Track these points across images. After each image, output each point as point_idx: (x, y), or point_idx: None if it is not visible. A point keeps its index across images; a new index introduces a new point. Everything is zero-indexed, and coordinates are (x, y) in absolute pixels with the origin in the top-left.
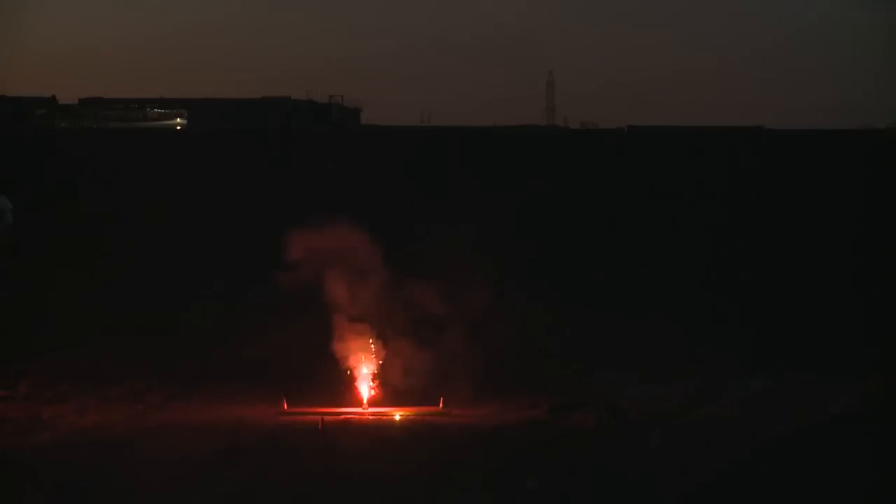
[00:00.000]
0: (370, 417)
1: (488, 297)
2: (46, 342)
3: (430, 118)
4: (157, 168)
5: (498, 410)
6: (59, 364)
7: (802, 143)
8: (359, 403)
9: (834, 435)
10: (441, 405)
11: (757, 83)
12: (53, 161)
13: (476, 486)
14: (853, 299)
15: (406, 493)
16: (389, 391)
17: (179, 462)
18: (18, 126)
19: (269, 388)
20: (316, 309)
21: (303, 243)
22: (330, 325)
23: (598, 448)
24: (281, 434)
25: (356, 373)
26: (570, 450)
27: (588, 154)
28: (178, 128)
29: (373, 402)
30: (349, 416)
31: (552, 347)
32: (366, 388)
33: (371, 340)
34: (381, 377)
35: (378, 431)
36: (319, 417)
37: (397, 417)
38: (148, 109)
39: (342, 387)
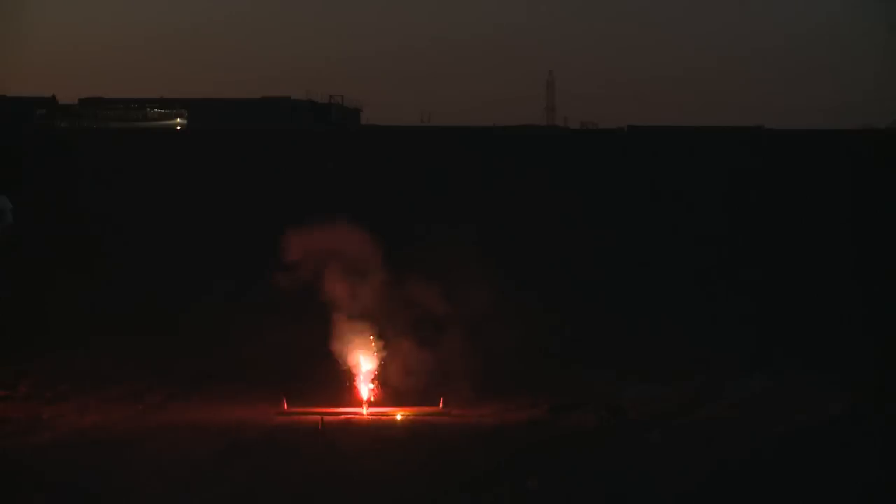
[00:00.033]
0: (370, 417)
1: (488, 297)
2: (46, 342)
3: (430, 118)
4: (157, 168)
5: (498, 410)
6: (59, 364)
7: (802, 143)
8: (359, 403)
9: (834, 435)
10: (441, 405)
11: (757, 83)
12: (53, 161)
13: (476, 486)
14: (853, 299)
15: (406, 493)
16: (389, 391)
17: (179, 462)
18: (18, 126)
19: (269, 388)
20: (316, 309)
21: (302, 243)
22: (330, 324)
23: (598, 448)
24: (281, 434)
25: (356, 372)
26: (570, 450)
27: (588, 154)
28: (178, 128)
29: (373, 402)
30: (349, 416)
31: (552, 347)
32: (366, 388)
33: (371, 339)
34: (380, 377)
35: (378, 431)
36: (319, 417)
37: (399, 417)
38: (148, 109)
39: (342, 387)
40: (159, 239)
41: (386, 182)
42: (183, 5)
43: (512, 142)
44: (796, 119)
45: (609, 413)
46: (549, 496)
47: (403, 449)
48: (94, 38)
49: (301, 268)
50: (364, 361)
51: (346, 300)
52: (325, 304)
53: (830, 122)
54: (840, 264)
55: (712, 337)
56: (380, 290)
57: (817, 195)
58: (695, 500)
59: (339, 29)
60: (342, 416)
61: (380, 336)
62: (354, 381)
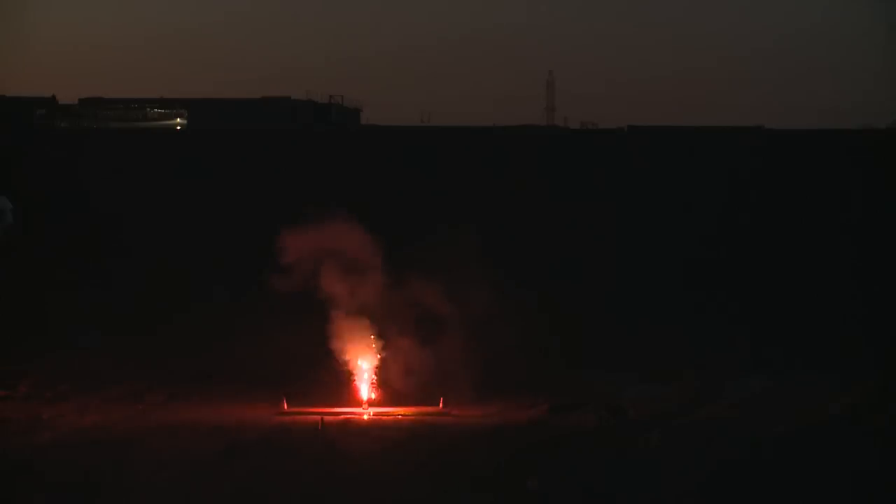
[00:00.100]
0: (370, 417)
1: (488, 296)
2: (46, 342)
3: (430, 118)
4: (157, 168)
5: (498, 410)
6: (59, 364)
7: (802, 143)
8: (359, 403)
9: (834, 435)
10: (441, 405)
11: (757, 83)
12: (53, 161)
13: (476, 486)
14: (853, 299)
15: (406, 493)
16: (389, 391)
17: (179, 461)
18: (18, 126)
19: (269, 388)
20: (316, 308)
21: (300, 243)
22: (330, 324)
23: (598, 448)
24: (281, 434)
25: (356, 371)
26: (570, 450)
27: (588, 154)
28: (178, 128)
29: (373, 402)
30: (349, 416)
31: (552, 347)
32: (366, 388)
33: (371, 339)
34: (380, 377)
35: (378, 431)
36: (319, 417)
37: (400, 417)
38: (148, 109)
39: (342, 387)
40: (159, 239)
41: (386, 182)
42: (183, 5)
43: (512, 142)
44: (796, 119)
45: (609, 413)
46: (549, 496)
47: (403, 449)
48: (94, 38)
49: (300, 268)
50: (364, 361)
51: (345, 299)
52: (324, 303)
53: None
54: (840, 264)
55: (712, 337)
56: (380, 289)
57: (817, 195)
58: (695, 500)
59: (339, 29)
60: (342, 416)
61: (380, 336)
62: (354, 380)
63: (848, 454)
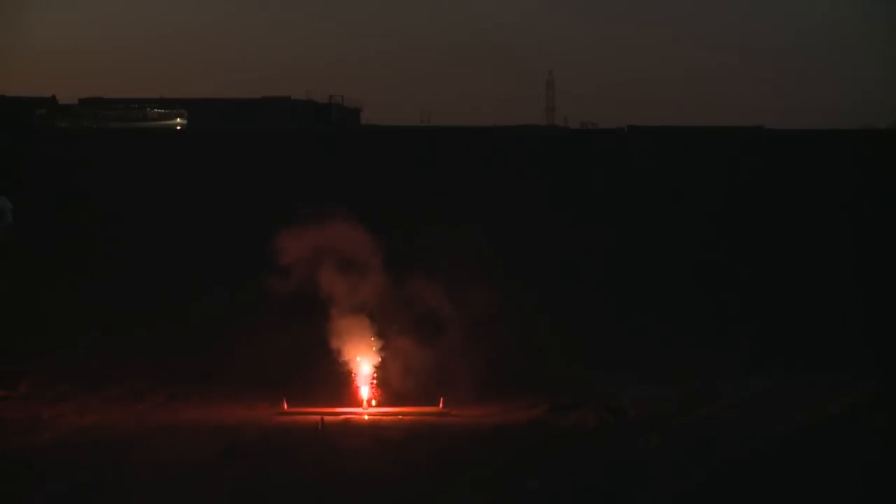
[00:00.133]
0: (370, 417)
1: (488, 296)
2: (46, 342)
3: (430, 118)
4: (157, 168)
5: (498, 410)
6: (59, 364)
7: (802, 143)
8: (359, 403)
9: (834, 435)
10: (441, 405)
11: (757, 83)
12: (53, 161)
13: (476, 486)
14: (853, 299)
15: (406, 493)
16: (389, 391)
17: (179, 462)
18: (18, 126)
19: (269, 388)
20: (316, 308)
21: (301, 243)
22: (329, 324)
23: (598, 448)
24: (281, 434)
25: (356, 371)
26: (570, 450)
27: (588, 154)
28: (178, 128)
29: (373, 403)
30: (349, 416)
31: (552, 347)
32: (366, 387)
33: (371, 339)
34: (380, 377)
35: (378, 431)
36: (319, 417)
37: (400, 417)
38: (148, 109)
39: (342, 387)
40: (159, 239)
41: (386, 182)
42: (183, 5)
43: (512, 142)
44: (796, 119)
45: (609, 413)
46: (549, 496)
47: (403, 449)
48: (94, 38)
49: (299, 268)
50: (364, 361)
51: (345, 299)
52: (324, 302)
53: (830, 122)
54: (840, 264)
55: (712, 337)
56: (380, 289)
57: (817, 195)
58: (695, 500)
59: (339, 29)
60: (342, 416)
61: (380, 336)
62: (354, 380)
63: (848, 454)
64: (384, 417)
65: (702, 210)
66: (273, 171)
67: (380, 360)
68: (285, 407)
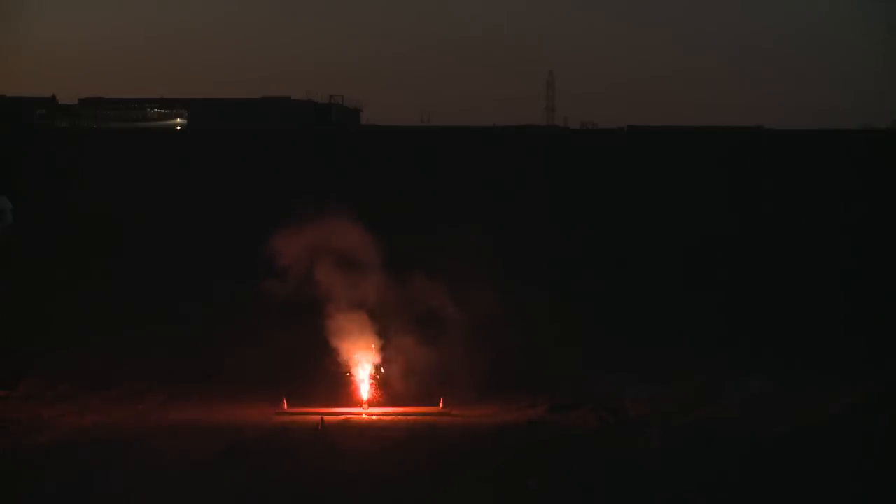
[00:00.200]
0: (370, 417)
1: (489, 296)
2: (46, 342)
3: (430, 118)
4: (157, 168)
5: (498, 410)
6: (59, 364)
7: (802, 143)
8: (359, 403)
9: (834, 435)
10: (441, 405)
11: (757, 83)
12: (53, 161)
13: (476, 486)
14: (853, 299)
15: (406, 493)
16: (389, 391)
17: (180, 461)
18: (18, 126)
19: (269, 388)
20: (316, 308)
21: (301, 242)
22: (329, 324)
23: (598, 448)
24: (281, 434)
25: (356, 371)
26: (570, 450)
27: (588, 154)
28: (178, 128)
29: (373, 402)
30: (349, 416)
31: (552, 347)
32: (366, 387)
33: (371, 337)
34: (381, 377)
35: (378, 431)
36: (319, 417)
37: (400, 417)
38: (148, 109)
39: (342, 387)
40: (159, 238)
41: (386, 182)
42: (183, 5)
43: (512, 142)
44: (796, 119)
45: (609, 413)
46: (549, 496)
47: (403, 449)
48: (94, 38)
49: (299, 268)
50: (364, 361)
51: (345, 299)
52: (324, 303)
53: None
54: (840, 264)
55: (712, 337)
56: (380, 289)
57: (817, 195)
58: (695, 500)
59: (339, 29)
60: (342, 416)
61: (380, 335)
62: (354, 380)
63: (848, 454)
64: (384, 417)
65: (702, 210)
66: (273, 171)
67: (380, 359)
68: (285, 407)
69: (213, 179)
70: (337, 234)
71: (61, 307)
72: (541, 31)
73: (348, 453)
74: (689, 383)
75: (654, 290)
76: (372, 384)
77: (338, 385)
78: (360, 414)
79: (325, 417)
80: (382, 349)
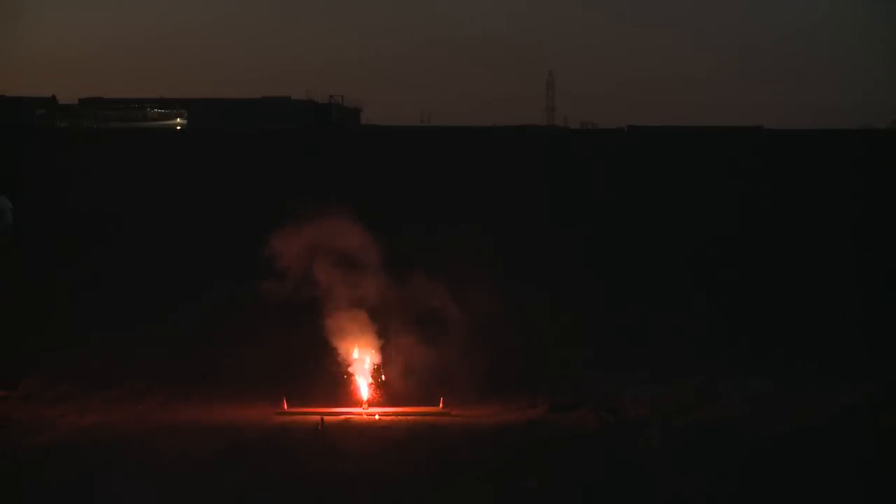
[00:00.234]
0: (369, 417)
1: (488, 297)
2: (46, 342)
3: (430, 118)
4: (157, 168)
5: (498, 410)
6: (59, 364)
7: (802, 143)
8: (359, 403)
9: (834, 435)
10: (441, 405)
11: (757, 83)
12: (53, 161)
13: (476, 486)
14: (853, 299)
15: (406, 493)
16: (389, 391)
17: (180, 461)
18: (18, 126)
19: (269, 388)
20: (316, 308)
21: (300, 242)
22: (329, 323)
23: (598, 448)
24: (281, 434)
25: (356, 371)
26: (570, 450)
27: (588, 154)
28: (178, 128)
29: (373, 402)
30: (349, 416)
31: (552, 347)
32: (366, 387)
33: (371, 337)
34: (380, 377)
35: (378, 431)
36: (319, 417)
37: (400, 417)
38: (148, 109)
39: (342, 386)
40: (159, 239)
41: (386, 182)
42: (183, 5)
43: (512, 142)
44: (796, 119)
45: (609, 413)
46: (549, 496)
47: (403, 449)
48: (94, 38)
49: (299, 268)
50: (364, 361)
51: (345, 299)
52: (324, 302)
53: (830, 122)
54: (840, 264)
55: (712, 337)
56: (380, 289)
57: (817, 195)
58: (694, 500)
59: (340, 29)
60: (342, 416)
61: (380, 335)
62: (354, 380)
63: (848, 454)
64: (384, 417)
65: (702, 210)
66: (273, 171)
67: (380, 359)
68: (285, 407)
69: (213, 179)
70: (337, 234)
71: (60, 307)
72: (541, 31)
73: (348, 453)
74: (689, 383)
75: (654, 290)
76: (372, 384)
77: (338, 385)
78: (360, 414)
79: (325, 417)
80: (382, 349)
